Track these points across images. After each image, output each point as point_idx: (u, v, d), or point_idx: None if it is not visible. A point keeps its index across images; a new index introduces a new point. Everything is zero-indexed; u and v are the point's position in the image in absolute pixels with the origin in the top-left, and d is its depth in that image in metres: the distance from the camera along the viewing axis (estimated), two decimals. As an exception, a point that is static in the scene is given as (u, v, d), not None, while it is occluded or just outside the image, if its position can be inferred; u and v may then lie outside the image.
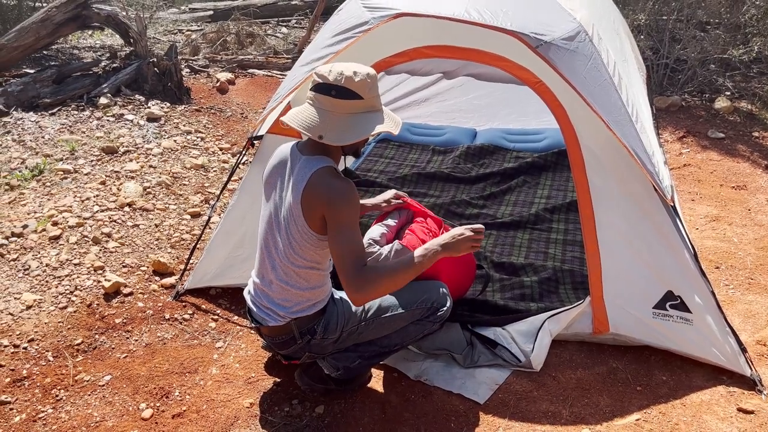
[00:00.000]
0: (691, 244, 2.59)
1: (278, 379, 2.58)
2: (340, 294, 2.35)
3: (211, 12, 9.87)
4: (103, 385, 2.54)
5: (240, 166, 3.93)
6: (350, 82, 2.00)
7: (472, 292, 2.94)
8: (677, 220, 2.58)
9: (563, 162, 4.12)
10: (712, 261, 3.38)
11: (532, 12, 2.69)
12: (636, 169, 2.53)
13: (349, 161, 4.39)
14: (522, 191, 4.00)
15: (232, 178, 3.75)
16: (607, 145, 2.58)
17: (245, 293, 2.38)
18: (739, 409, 2.39)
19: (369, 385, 2.53)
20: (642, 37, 5.87)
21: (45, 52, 6.89)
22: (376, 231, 2.67)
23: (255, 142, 3.03)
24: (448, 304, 2.39)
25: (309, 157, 2.11)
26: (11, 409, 2.41)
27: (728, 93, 5.76)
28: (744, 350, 2.53)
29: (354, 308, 2.30)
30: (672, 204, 2.57)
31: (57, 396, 2.48)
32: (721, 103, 5.56)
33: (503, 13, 2.60)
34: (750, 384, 2.50)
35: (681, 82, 5.87)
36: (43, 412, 2.40)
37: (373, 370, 2.57)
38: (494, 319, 2.78)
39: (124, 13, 5.91)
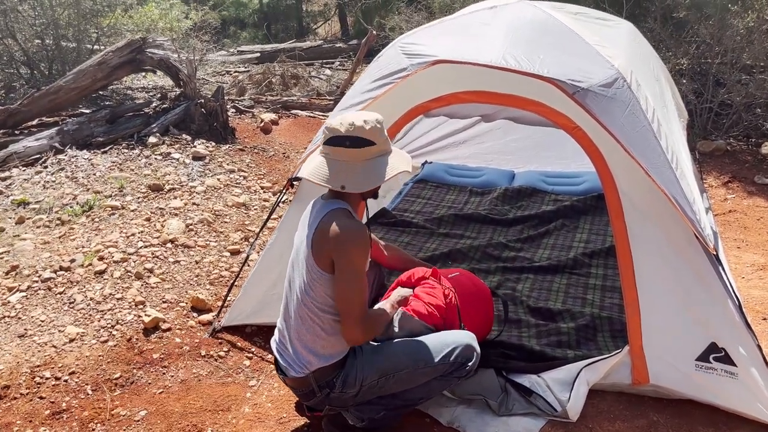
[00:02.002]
0: (736, 294, 2.51)
1: (309, 421, 2.58)
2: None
3: (258, 54, 10.23)
4: (138, 421, 2.58)
5: (280, 204, 4.02)
6: (362, 130, 2.10)
7: (498, 333, 2.90)
8: (720, 269, 2.51)
9: (602, 206, 4.04)
10: (759, 312, 3.26)
11: (569, 59, 2.71)
12: (676, 216, 2.48)
13: (386, 201, 4.48)
14: (560, 235, 3.96)
15: (272, 217, 3.83)
16: (646, 192, 2.54)
17: (272, 341, 2.42)
18: (788, 470, 2.27)
19: (399, 431, 2.50)
20: (685, 81, 5.81)
21: (101, 92, 7.24)
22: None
23: (294, 183, 3.09)
24: (474, 358, 2.36)
25: (327, 201, 2.22)
26: (50, 441, 2.47)
27: (776, 138, 5.62)
28: (792, 408, 2.42)
29: (373, 363, 2.27)
30: (714, 252, 2.51)
31: (93, 430, 2.53)
32: (768, 148, 5.43)
33: (540, 60, 2.63)
34: (799, 443, 2.38)
35: (726, 126, 5.76)
36: (79, 445, 2.45)
37: (404, 415, 2.54)
38: (530, 366, 2.73)
39: (176, 56, 6.17)
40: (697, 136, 5.69)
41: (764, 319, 3.20)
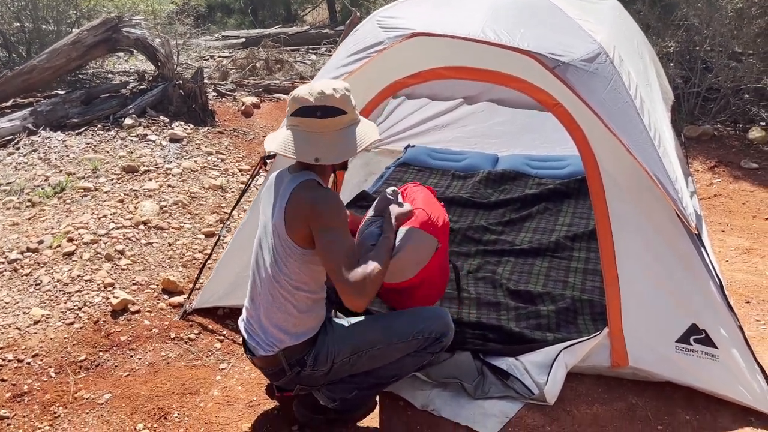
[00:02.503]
0: (717, 275, 2.45)
1: (279, 404, 2.50)
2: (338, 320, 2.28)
3: (243, 39, 10.08)
4: (102, 404, 2.49)
5: (256, 187, 3.93)
6: (333, 99, 2.01)
7: (477, 315, 2.84)
8: (702, 250, 2.45)
9: (586, 189, 3.94)
10: (742, 295, 3.21)
11: (551, 33, 2.63)
12: (658, 194, 2.41)
13: (367, 184, 4.40)
14: (543, 218, 3.89)
15: (248, 199, 3.74)
16: (628, 170, 2.47)
17: (239, 321, 2.33)
18: (769, 454, 2.22)
19: (372, 414, 2.43)
20: (672, 64, 5.75)
21: (80, 75, 7.09)
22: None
23: (268, 161, 3.00)
24: (449, 334, 2.28)
25: (295, 174, 2.11)
26: (9, 425, 2.38)
27: (763, 123, 5.58)
28: (774, 390, 2.36)
29: (345, 339, 2.19)
30: (696, 232, 2.45)
31: (55, 413, 2.44)
32: (755, 133, 5.38)
33: (520, 33, 2.54)
34: (781, 426, 2.33)
35: (713, 111, 5.71)
36: (40, 429, 2.37)
37: (378, 399, 2.47)
38: (507, 349, 2.66)
39: (159, 40, 6.02)
40: (684, 120, 5.64)
41: (747, 302, 3.16)
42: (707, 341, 2.42)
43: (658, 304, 2.50)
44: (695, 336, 2.44)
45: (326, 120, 2.00)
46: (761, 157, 5.07)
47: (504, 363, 2.60)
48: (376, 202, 2.42)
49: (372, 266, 1.99)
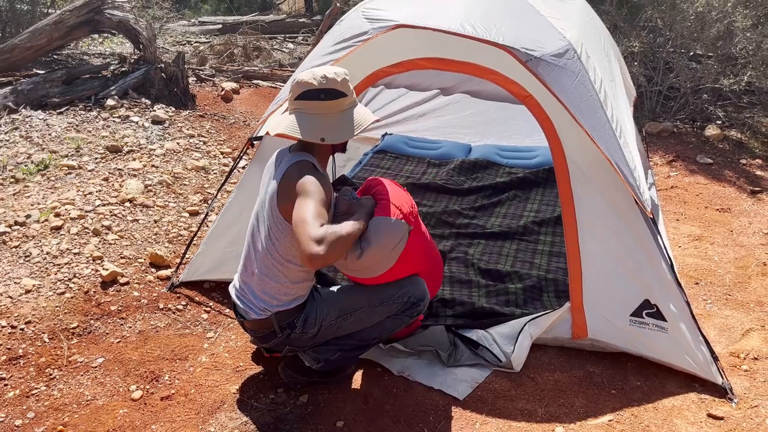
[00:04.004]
0: (669, 255, 2.69)
1: (265, 369, 2.67)
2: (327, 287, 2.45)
3: (220, 26, 10.08)
4: (96, 367, 2.62)
5: (239, 170, 4.06)
6: (335, 83, 2.16)
7: (451, 292, 3.04)
8: (656, 232, 2.69)
9: (554, 178, 4.18)
10: (692, 277, 3.48)
11: (524, 29, 2.82)
12: (618, 181, 2.63)
13: (346, 170, 4.56)
14: (512, 204, 4.11)
15: (231, 181, 3.88)
16: (592, 158, 2.68)
17: (230, 288, 2.48)
18: (709, 415, 2.47)
19: (353, 378, 2.61)
20: (636, 64, 6.04)
21: (55, 56, 7.06)
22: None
23: (255, 142, 3.14)
24: (426, 298, 2.48)
25: (294, 154, 2.27)
26: (6, 385, 2.50)
27: (719, 122, 5.91)
28: (716, 359, 2.62)
29: (332, 304, 2.37)
30: (651, 216, 2.68)
31: (51, 375, 2.56)
32: (711, 130, 5.70)
33: (496, 28, 2.73)
34: (721, 392, 2.58)
35: (673, 109, 6.02)
36: (36, 389, 2.49)
37: (357, 365, 2.66)
38: (478, 323, 2.87)
39: (142, 23, 6.06)
40: (646, 117, 5.93)
41: (696, 283, 3.42)
42: (658, 315, 2.66)
43: (615, 281, 2.73)
44: (647, 310, 2.68)
45: (329, 102, 2.16)
46: (715, 153, 5.40)
47: (474, 334, 2.81)
48: (337, 205, 2.36)
49: (337, 227, 1.99)
